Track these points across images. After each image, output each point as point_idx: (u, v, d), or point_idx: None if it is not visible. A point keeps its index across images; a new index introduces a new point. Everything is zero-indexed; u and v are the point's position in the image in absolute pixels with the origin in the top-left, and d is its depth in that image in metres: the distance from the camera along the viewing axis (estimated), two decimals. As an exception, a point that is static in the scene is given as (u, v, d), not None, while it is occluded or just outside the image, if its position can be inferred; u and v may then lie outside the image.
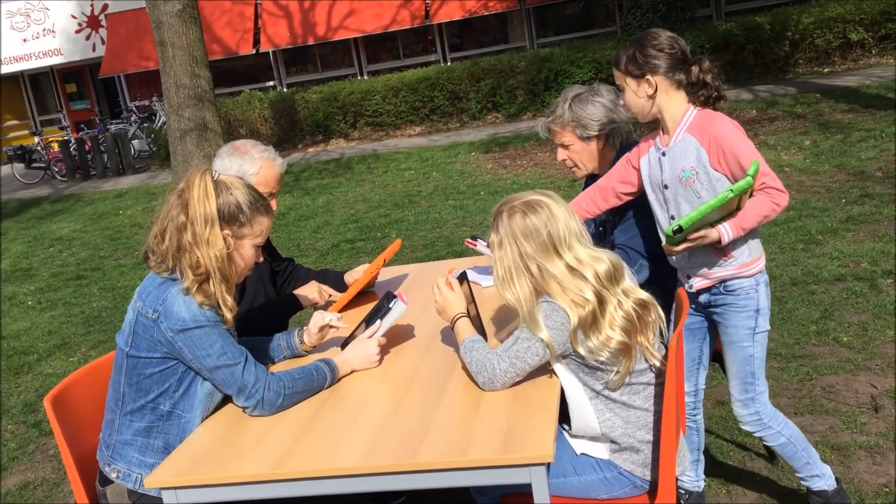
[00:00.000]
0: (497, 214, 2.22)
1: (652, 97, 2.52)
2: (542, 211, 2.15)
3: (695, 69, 2.49)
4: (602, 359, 2.10)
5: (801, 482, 2.69)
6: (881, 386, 3.55)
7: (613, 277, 2.14)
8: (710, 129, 2.47)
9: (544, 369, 2.22)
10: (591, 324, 2.08)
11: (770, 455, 3.12)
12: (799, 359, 3.91)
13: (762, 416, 2.58)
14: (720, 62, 13.67)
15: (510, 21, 18.69)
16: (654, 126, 2.64)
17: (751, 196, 2.41)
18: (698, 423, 2.80)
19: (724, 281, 2.51)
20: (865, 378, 3.64)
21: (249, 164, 2.90)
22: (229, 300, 2.25)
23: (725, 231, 2.39)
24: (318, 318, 2.61)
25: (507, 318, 2.72)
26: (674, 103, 2.53)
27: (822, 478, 2.64)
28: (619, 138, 2.90)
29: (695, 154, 2.48)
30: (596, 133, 2.88)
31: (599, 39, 16.17)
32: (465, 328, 2.33)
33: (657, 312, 2.19)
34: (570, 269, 2.12)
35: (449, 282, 2.42)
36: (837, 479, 2.68)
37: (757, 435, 2.64)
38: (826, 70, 13.38)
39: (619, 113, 2.89)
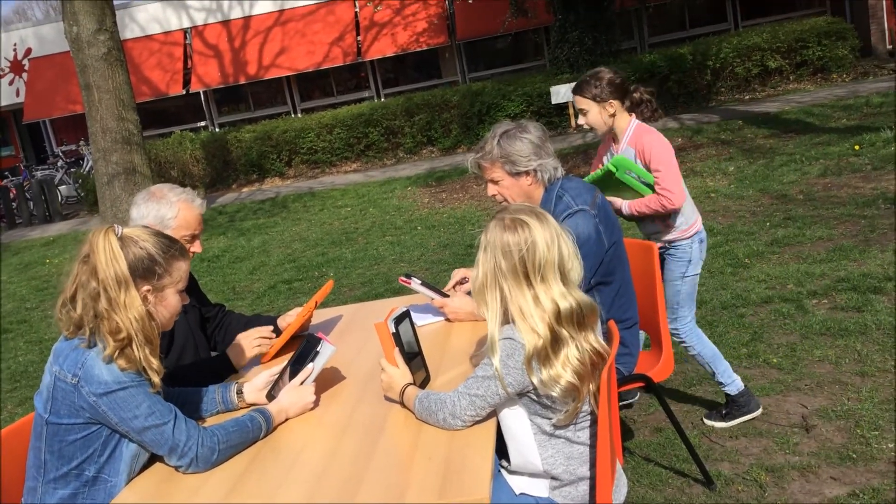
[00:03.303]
0: (493, 217, 2.20)
1: (612, 116, 3.52)
2: (521, 232, 2.11)
3: (636, 94, 3.58)
4: (554, 394, 2.09)
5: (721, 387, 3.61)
6: (811, 405, 3.64)
7: (576, 321, 2.11)
8: (642, 140, 3.48)
9: None
10: (543, 358, 2.07)
11: (708, 481, 3.16)
12: (732, 382, 3.98)
13: (681, 333, 3.59)
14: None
15: (442, 56, 18.93)
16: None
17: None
18: (694, 343, 3.62)
19: (671, 242, 3.56)
20: (795, 398, 3.73)
21: (167, 209, 2.84)
22: (154, 362, 2.16)
23: (624, 205, 3.50)
24: (264, 375, 2.57)
25: (451, 358, 2.71)
26: (622, 119, 3.55)
27: (733, 384, 3.59)
28: (547, 174, 2.94)
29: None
30: (524, 169, 2.92)
31: (529, 73, 16.50)
32: (412, 392, 2.30)
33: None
34: (536, 300, 2.09)
35: (392, 358, 2.37)
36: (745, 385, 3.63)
37: (681, 345, 3.62)
38: (747, 97, 13.87)
39: (547, 149, 2.94)
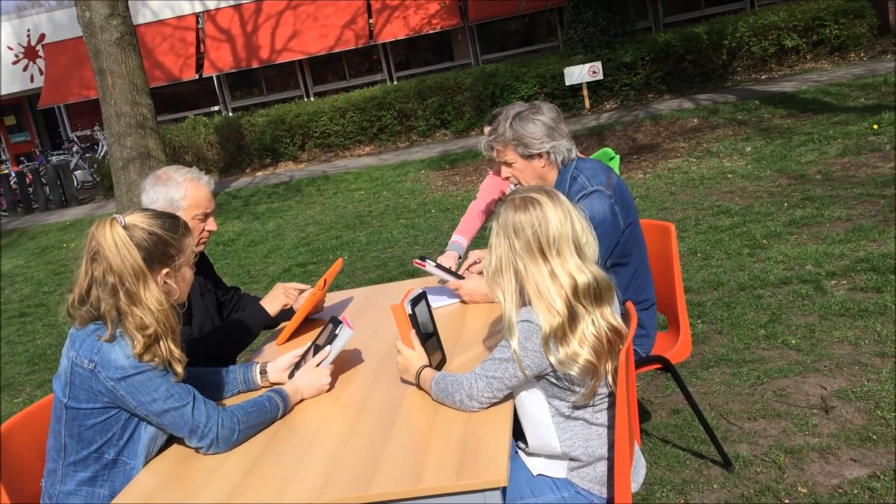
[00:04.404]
0: (502, 202, 2.18)
1: None
2: (533, 209, 2.09)
3: None
4: (572, 373, 2.07)
5: None
6: (830, 387, 3.60)
7: (593, 295, 2.08)
8: None
9: None
10: (560, 336, 2.05)
11: (726, 462, 3.15)
12: (749, 363, 3.96)
13: None
14: (661, 73, 13.94)
15: (454, 38, 18.82)
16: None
17: None
18: None
19: None
20: (815, 380, 3.70)
21: (175, 190, 2.83)
22: (177, 352, 2.17)
23: None
24: (288, 356, 2.58)
25: (467, 340, 2.70)
26: None
27: None
28: (560, 156, 2.91)
29: None
30: (537, 151, 2.89)
31: (543, 54, 16.37)
32: (429, 374, 2.29)
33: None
34: (553, 275, 2.07)
35: (409, 340, 2.37)
36: None
37: None
38: (764, 77, 13.72)
39: (560, 130, 2.90)
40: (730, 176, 7.82)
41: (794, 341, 4.10)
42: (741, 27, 13.87)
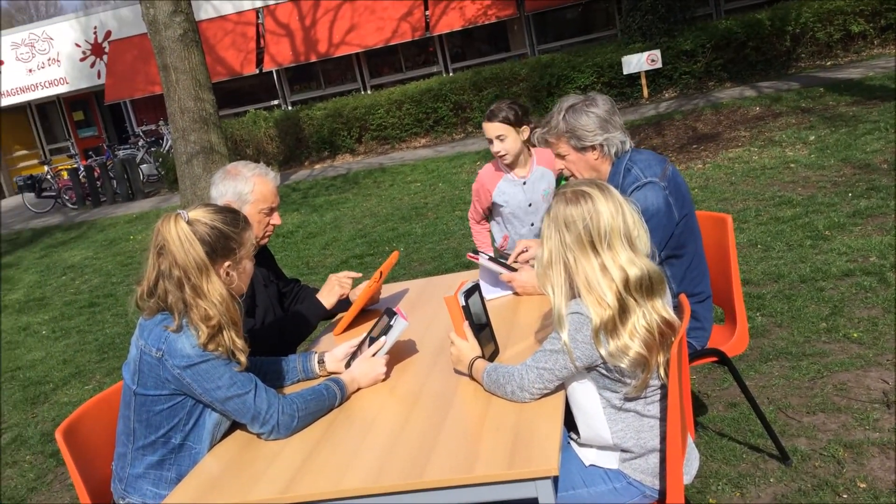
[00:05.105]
0: (554, 196, 2.21)
1: (526, 141, 3.73)
2: (584, 203, 2.10)
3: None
4: (623, 365, 2.08)
5: None
6: (893, 381, 3.53)
7: (644, 288, 2.09)
8: (549, 156, 3.65)
9: None
10: (610, 329, 2.06)
11: (784, 456, 3.12)
12: (810, 357, 3.90)
13: None
14: (722, 60, 13.67)
15: (510, 29, 18.75)
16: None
17: None
18: None
19: None
20: (877, 374, 3.62)
21: (243, 184, 2.93)
22: (240, 342, 2.26)
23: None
24: (344, 346, 2.65)
25: (520, 332, 2.73)
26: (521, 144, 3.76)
27: None
28: (614, 148, 2.90)
29: (548, 178, 3.84)
30: (590, 143, 2.89)
31: (600, 43, 16.19)
32: (481, 365, 2.33)
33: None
34: (603, 268, 2.08)
35: (462, 331, 2.41)
36: None
37: None
38: (829, 63, 13.34)
39: (614, 122, 2.89)
40: (792, 165, 7.65)
41: (856, 334, 4.01)
42: (805, 13, 13.50)
